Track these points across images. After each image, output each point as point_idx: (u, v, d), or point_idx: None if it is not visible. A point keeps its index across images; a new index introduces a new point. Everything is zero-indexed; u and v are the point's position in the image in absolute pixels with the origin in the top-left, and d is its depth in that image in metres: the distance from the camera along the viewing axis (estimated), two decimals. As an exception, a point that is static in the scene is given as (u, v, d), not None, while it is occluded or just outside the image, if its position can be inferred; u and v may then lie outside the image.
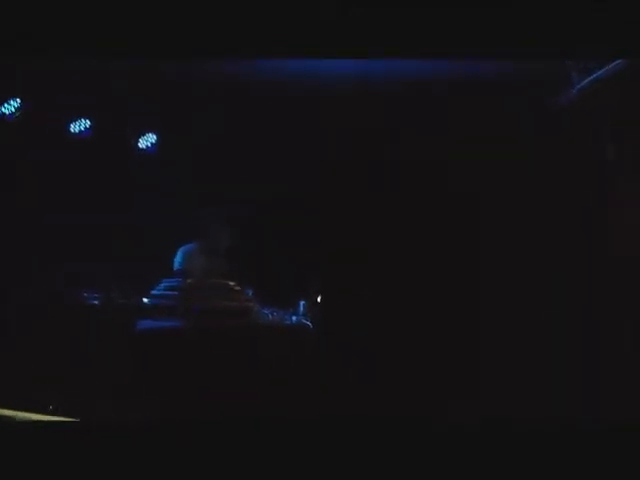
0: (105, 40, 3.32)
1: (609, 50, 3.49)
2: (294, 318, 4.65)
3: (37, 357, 3.91)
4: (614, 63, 4.35)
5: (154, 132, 5.69)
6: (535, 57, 3.89)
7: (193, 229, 5.02)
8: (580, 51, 3.59)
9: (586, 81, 4.66)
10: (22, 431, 3.30)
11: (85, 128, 5.41)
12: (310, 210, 5.49)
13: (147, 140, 5.70)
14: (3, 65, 4.56)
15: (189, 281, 4.44)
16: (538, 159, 4.88)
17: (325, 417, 3.70)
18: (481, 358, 4.72)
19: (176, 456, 3.11)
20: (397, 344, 4.71)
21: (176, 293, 4.34)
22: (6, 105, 5.05)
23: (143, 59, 4.19)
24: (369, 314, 4.85)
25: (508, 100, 4.85)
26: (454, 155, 5.07)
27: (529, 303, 4.78)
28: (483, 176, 5.07)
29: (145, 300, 4.41)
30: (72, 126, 5.40)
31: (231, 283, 4.53)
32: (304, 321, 4.59)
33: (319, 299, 4.75)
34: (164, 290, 4.45)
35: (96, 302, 4.42)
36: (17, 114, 5.07)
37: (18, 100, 5.06)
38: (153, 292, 4.47)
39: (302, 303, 4.74)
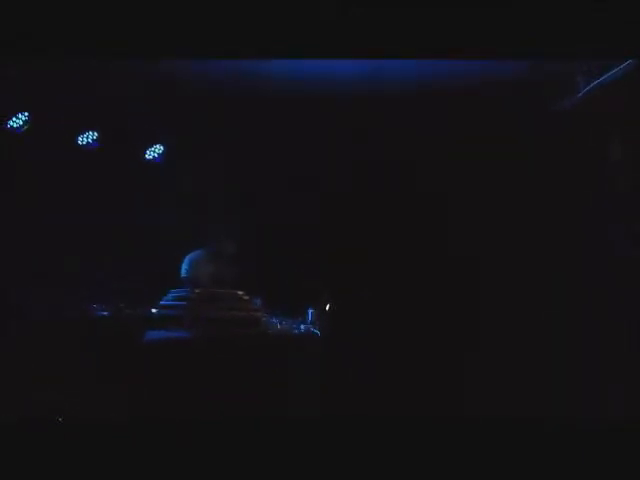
0: (105, 40, 3.32)
1: (609, 50, 3.48)
2: (303, 327, 4.65)
3: (49, 368, 3.89)
4: (618, 67, 4.35)
5: (161, 143, 5.75)
6: (535, 57, 3.89)
7: (200, 238, 5.02)
8: (580, 51, 3.59)
9: (591, 85, 4.66)
10: (31, 432, 3.31)
11: (92, 140, 5.46)
12: (318, 218, 5.49)
13: (154, 151, 5.76)
14: (11, 80, 4.61)
15: (197, 291, 4.43)
16: (542, 162, 4.88)
17: (327, 418, 3.70)
18: (481, 358, 4.72)
19: (186, 460, 3.12)
20: (402, 347, 4.71)
21: (184, 303, 4.33)
22: (14, 119, 5.11)
23: (143, 59, 4.19)
24: (376, 320, 4.85)
25: (513, 104, 4.85)
26: (454, 156, 5.07)
27: (529, 303, 4.78)
28: (483, 177, 5.08)
29: (154, 311, 4.40)
30: (80, 138, 5.44)
31: (239, 292, 4.52)
32: (313, 330, 4.59)
33: (327, 308, 4.75)
34: (172, 300, 4.45)
35: (105, 313, 4.42)
36: (25, 127, 5.10)
37: (26, 114, 5.11)
38: (162, 302, 4.46)
39: (311, 312, 4.74)
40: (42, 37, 3.29)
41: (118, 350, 4.00)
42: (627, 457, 3.08)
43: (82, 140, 5.44)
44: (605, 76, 4.48)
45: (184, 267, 4.93)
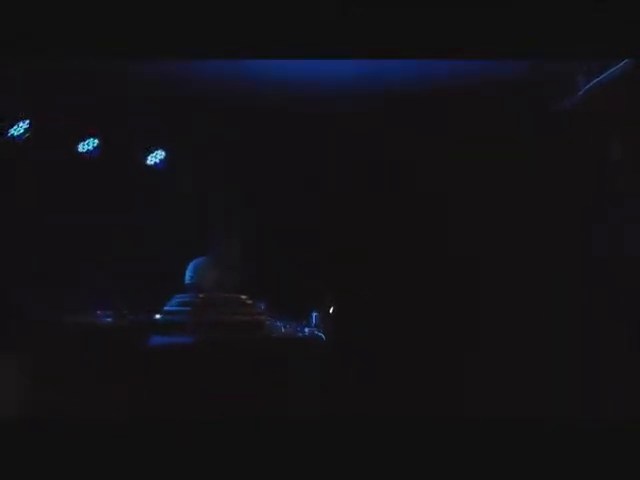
0: (105, 40, 3.31)
1: (609, 50, 3.48)
2: (307, 330, 4.65)
3: (51, 373, 3.89)
4: (617, 66, 4.35)
5: (162, 148, 5.75)
6: (535, 57, 3.89)
7: (203, 243, 5.02)
8: (580, 51, 3.59)
9: (590, 84, 4.66)
10: (33, 432, 3.31)
11: (93, 147, 5.47)
12: (319, 219, 5.49)
13: (155, 157, 5.77)
14: (11, 85, 4.62)
15: (201, 296, 4.43)
16: (542, 161, 4.88)
17: (328, 418, 3.70)
18: (481, 358, 4.72)
19: (186, 461, 3.12)
20: (402, 347, 4.71)
21: (188, 308, 4.33)
22: (16, 127, 5.12)
23: (143, 59, 4.19)
24: (376, 320, 4.85)
25: (513, 103, 4.85)
26: (454, 156, 5.07)
27: (529, 303, 4.78)
28: (483, 177, 5.08)
29: (158, 316, 4.40)
30: (80, 146, 5.45)
31: (243, 297, 4.52)
32: (317, 333, 4.59)
33: (331, 310, 4.75)
34: (176, 306, 4.44)
35: (109, 320, 4.42)
36: (26, 135, 5.11)
37: (27, 121, 5.12)
38: (165, 308, 4.46)
39: (315, 315, 4.74)
40: (42, 37, 3.29)
41: (121, 357, 4.00)
42: (627, 457, 3.08)
43: (83, 147, 5.45)
44: (604, 75, 4.48)
45: (188, 274, 4.93)
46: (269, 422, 3.52)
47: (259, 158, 5.49)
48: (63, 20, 3.25)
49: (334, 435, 3.35)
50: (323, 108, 5.05)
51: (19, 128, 5.12)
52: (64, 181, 5.18)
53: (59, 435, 3.31)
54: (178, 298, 4.51)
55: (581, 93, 4.75)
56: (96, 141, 5.46)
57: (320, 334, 4.57)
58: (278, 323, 4.64)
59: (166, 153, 5.78)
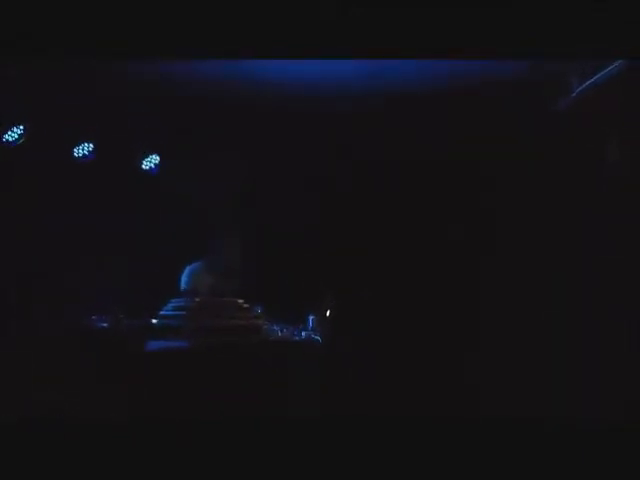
0: (105, 40, 3.31)
1: (609, 50, 3.48)
2: (304, 334, 4.64)
3: (49, 377, 3.89)
4: (611, 67, 4.35)
5: (157, 153, 5.75)
6: (535, 57, 3.89)
7: (199, 247, 5.01)
8: (580, 51, 3.59)
9: (584, 85, 4.66)
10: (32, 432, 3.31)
11: (88, 152, 5.46)
12: (318, 221, 5.49)
13: (150, 161, 5.76)
14: (7, 88, 4.61)
15: (197, 300, 4.42)
16: (540, 161, 4.88)
17: (327, 418, 3.70)
18: (481, 358, 4.72)
19: (186, 461, 3.12)
20: (402, 347, 4.71)
21: (184, 313, 4.32)
22: (10, 132, 5.09)
23: (143, 59, 4.19)
24: (376, 320, 4.84)
25: (512, 103, 4.85)
26: (454, 155, 5.07)
27: (529, 303, 4.78)
28: (483, 177, 5.08)
29: (154, 321, 4.39)
30: (75, 150, 5.44)
31: (239, 301, 4.52)
32: (314, 336, 4.59)
33: (328, 313, 4.75)
34: (172, 310, 4.44)
35: (105, 325, 4.41)
36: (21, 141, 5.10)
37: (21, 127, 5.10)
38: (161, 313, 4.45)
39: (311, 318, 4.74)
40: (42, 37, 3.29)
41: (118, 361, 4.00)
42: (627, 457, 3.08)
43: (78, 152, 5.44)
44: (598, 75, 4.48)
45: (184, 279, 4.92)
46: (266, 425, 3.52)
47: (257, 159, 5.48)
48: (63, 20, 3.25)
49: (333, 436, 3.35)
50: (322, 108, 5.05)
51: (13, 134, 5.09)
52: (60, 185, 5.17)
53: (59, 435, 3.31)
54: (174, 302, 4.50)
55: (575, 94, 4.75)
56: (91, 146, 5.45)
57: (317, 337, 4.57)
58: (275, 327, 4.64)
59: (162, 157, 5.75)
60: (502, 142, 4.92)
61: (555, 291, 4.72)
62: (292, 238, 5.42)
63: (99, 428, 3.36)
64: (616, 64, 4.29)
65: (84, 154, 5.45)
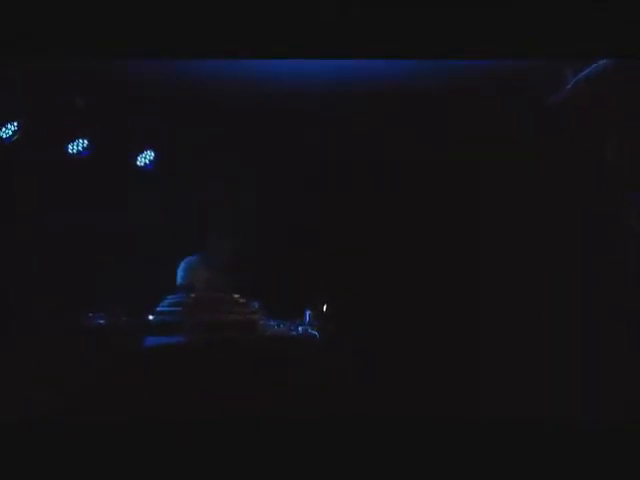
0: (105, 40, 3.32)
1: (609, 50, 3.49)
2: (300, 328, 4.64)
3: (48, 376, 3.89)
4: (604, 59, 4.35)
5: (152, 149, 5.72)
6: (535, 57, 3.89)
7: (195, 242, 5.01)
8: (580, 51, 3.59)
9: (578, 77, 4.66)
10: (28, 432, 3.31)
11: (83, 148, 5.42)
12: (317, 218, 5.49)
13: (145, 157, 5.73)
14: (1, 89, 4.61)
15: (193, 296, 4.42)
16: (532, 156, 4.88)
17: (327, 418, 3.70)
18: (481, 358, 4.72)
19: (186, 460, 3.12)
20: (401, 347, 4.71)
21: (180, 309, 4.32)
22: (3, 129, 5.03)
23: (143, 59, 4.19)
24: (376, 320, 4.84)
25: (501, 97, 4.85)
26: (453, 155, 5.07)
27: (529, 303, 4.78)
28: (482, 176, 5.08)
29: (150, 317, 4.39)
30: (70, 147, 5.39)
31: (236, 296, 4.52)
32: (311, 331, 4.59)
33: (325, 308, 4.75)
34: (168, 306, 4.43)
35: (102, 322, 4.41)
36: (15, 137, 5.08)
37: (15, 123, 5.06)
38: (158, 309, 4.45)
39: (308, 313, 4.74)
40: (42, 37, 3.29)
41: (116, 358, 4.00)
42: (627, 457, 3.09)
43: (72, 148, 5.40)
44: (590, 68, 4.48)
45: (180, 274, 4.92)
46: (265, 422, 3.52)
47: (255, 156, 5.48)
48: (63, 20, 3.25)
49: (333, 436, 3.35)
50: (322, 107, 5.06)
51: (7, 130, 5.05)
52: (55, 182, 5.16)
53: (59, 435, 3.31)
54: (170, 299, 4.50)
55: (568, 87, 4.74)
56: (86, 142, 5.42)
57: (314, 332, 4.57)
58: (271, 322, 4.64)
59: (158, 153, 5.72)
60: (496, 140, 4.92)
61: (555, 291, 4.72)
62: (289, 232, 5.41)
63: (99, 428, 3.36)
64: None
65: (78, 150, 5.42)
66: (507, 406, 4.06)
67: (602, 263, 4.49)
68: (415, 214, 5.35)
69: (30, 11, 3.23)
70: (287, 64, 4.55)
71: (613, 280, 4.41)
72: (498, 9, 3.29)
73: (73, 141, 5.39)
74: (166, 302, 4.49)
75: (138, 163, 5.72)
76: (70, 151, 5.40)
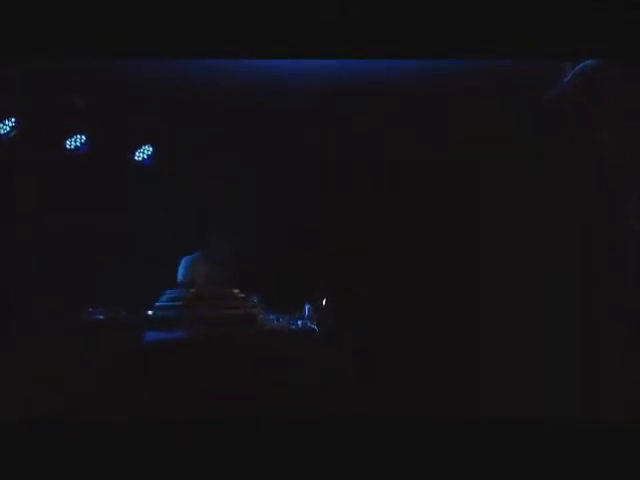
0: (105, 40, 3.32)
1: (609, 50, 3.48)
2: (300, 322, 4.65)
3: (49, 372, 3.88)
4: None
5: (150, 144, 5.71)
6: (536, 57, 3.89)
7: (194, 238, 5.01)
8: (580, 51, 3.59)
9: (575, 70, 4.65)
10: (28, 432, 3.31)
11: (81, 144, 5.41)
12: (311, 214, 5.48)
13: (143, 152, 5.71)
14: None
15: (193, 291, 4.43)
16: (532, 156, 4.88)
17: (329, 418, 3.70)
18: (481, 357, 4.72)
19: (186, 460, 3.12)
20: (401, 347, 4.71)
21: (180, 304, 4.33)
22: (1, 125, 5.03)
23: (143, 59, 4.19)
24: (376, 320, 4.85)
25: (501, 95, 4.85)
26: (452, 154, 5.07)
27: (529, 303, 4.78)
28: (482, 174, 5.07)
29: (150, 312, 4.39)
30: (68, 142, 5.39)
31: (235, 291, 4.52)
32: (310, 325, 4.59)
33: (324, 302, 4.75)
34: (168, 301, 4.44)
35: (101, 317, 4.41)
36: (12, 133, 5.07)
37: (12, 119, 5.05)
38: (157, 304, 4.46)
39: (307, 307, 4.74)
40: (42, 37, 3.29)
41: (116, 354, 4.00)
42: (627, 457, 3.09)
43: (70, 144, 5.40)
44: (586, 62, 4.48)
45: (180, 271, 4.93)
46: (266, 419, 3.52)
47: (256, 162, 5.48)
48: (63, 20, 3.25)
49: (333, 435, 3.35)
50: (322, 106, 5.06)
51: (5, 126, 5.05)
52: (53, 178, 5.15)
53: (59, 435, 3.31)
54: (169, 293, 4.50)
55: (567, 80, 4.74)
56: (83, 137, 5.41)
57: (313, 326, 4.57)
58: (271, 316, 4.64)
59: (156, 148, 5.71)
60: (499, 139, 4.92)
61: (555, 291, 4.71)
62: (289, 229, 5.41)
63: (99, 428, 3.36)
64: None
65: (76, 146, 5.41)
66: (507, 406, 4.06)
67: (602, 263, 4.49)
68: (415, 214, 5.35)
69: (30, 11, 3.24)
70: (287, 63, 4.55)
71: (613, 280, 4.41)
72: (498, 9, 3.29)
73: (71, 137, 5.39)
74: (165, 297, 4.49)
75: (136, 158, 5.71)
76: (68, 147, 5.39)
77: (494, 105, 4.91)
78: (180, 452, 3.20)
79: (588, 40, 3.34)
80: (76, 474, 3.09)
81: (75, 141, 5.40)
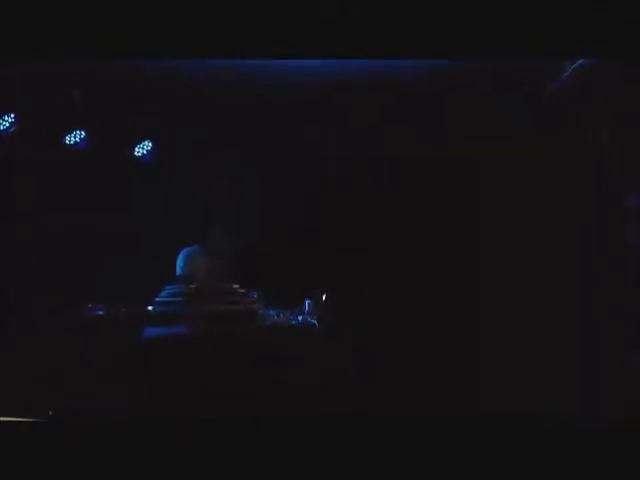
0: (105, 40, 3.32)
1: (609, 50, 3.48)
2: (300, 318, 4.64)
3: (48, 367, 3.88)
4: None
5: (150, 139, 5.70)
6: (535, 57, 3.89)
7: (194, 233, 5.00)
8: (580, 51, 3.59)
9: (574, 66, 4.66)
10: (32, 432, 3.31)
11: (80, 139, 5.41)
12: (312, 209, 5.48)
13: (143, 148, 5.71)
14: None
15: (192, 286, 4.43)
16: (532, 153, 4.88)
17: (328, 416, 3.70)
18: (481, 356, 4.72)
19: (186, 459, 3.12)
20: (401, 346, 4.71)
21: (180, 299, 4.33)
22: (1, 120, 5.04)
23: (143, 59, 4.19)
24: (375, 317, 4.84)
25: (498, 92, 4.85)
26: (452, 150, 5.07)
27: (529, 301, 4.78)
28: (482, 172, 5.08)
29: (149, 308, 4.40)
30: (67, 138, 5.40)
31: (235, 286, 4.53)
32: (310, 320, 4.59)
33: (324, 298, 4.75)
34: (167, 297, 4.44)
35: (101, 312, 4.41)
36: (12, 129, 5.06)
37: (12, 115, 5.06)
38: (157, 299, 4.45)
39: (307, 302, 4.74)
40: (42, 37, 3.29)
41: (116, 349, 4.00)
42: (627, 457, 3.08)
43: (69, 140, 5.40)
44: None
45: (179, 264, 4.92)
46: (264, 417, 3.52)
47: (256, 157, 5.48)
48: (63, 20, 3.26)
49: (332, 434, 3.35)
50: (322, 105, 5.06)
51: (4, 122, 5.05)
52: (53, 175, 5.14)
53: (59, 435, 3.31)
54: (169, 289, 4.50)
55: (566, 75, 4.74)
56: (83, 133, 5.41)
57: (313, 321, 4.57)
58: (271, 311, 4.64)
59: (157, 144, 5.70)
60: (498, 139, 4.92)
61: (555, 290, 4.72)
62: (288, 223, 5.41)
63: (99, 428, 3.36)
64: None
65: (76, 142, 5.41)
66: (507, 404, 4.06)
67: (602, 263, 4.50)
68: (414, 210, 5.34)
69: (30, 11, 3.24)
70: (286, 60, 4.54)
71: (613, 280, 4.41)
72: (498, 9, 3.29)
73: (70, 133, 5.39)
74: (165, 292, 4.49)
75: (136, 153, 5.70)
76: (67, 142, 5.40)
77: (492, 101, 4.91)
78: (180, 450, 3.20)
79: (588, 40, 3.34)
80: (76, 474, 3.09)
81: (75, 137, 5.41)
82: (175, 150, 5.57)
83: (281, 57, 3.83)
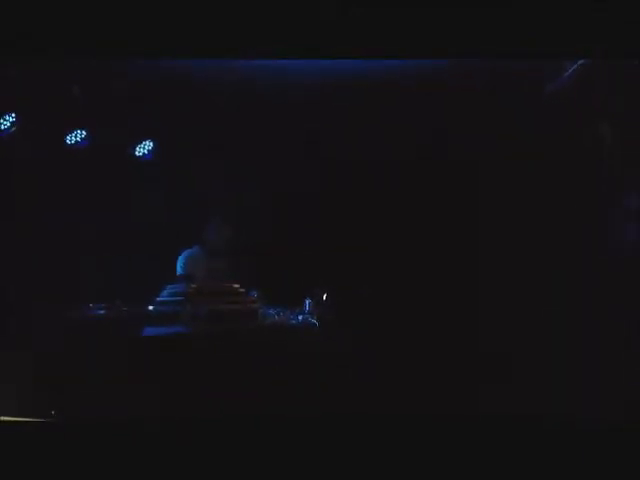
0: (105, 40, 3.32)
1: (609, 50, 3.49)
2: (300, 317, 4.64)
3: (51, 368, 3.88)
4: None
5: (151, 139, 5.70)
6: (535, 57, 3.89)
7: (194, 233, 5.00)
8: (580, 51, 3.59)
9: (575, 66, 4.66)
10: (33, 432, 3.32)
11: (81, 139, 5.40)
12: (312, 208, 5.48)
13: (144, 147, 5.70)
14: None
15: (193, 286, 4.43)
16: (532, 153, 4.88)
17: (328, 416, 3.70)
18: (481, 357, 4.72)
19: (186, 459, 3.12)
20: (401, 345, 4.71)
21: (180, 299, 4.33)
22: (1, 121, 5.02)
23: (143, 59, 4.19)
24: (375, 317, 4.84)
25: (505, 94, 4.85)
26: (452, 150, 5.07)
27: (529, 300, 4.78)
28: (482, 171, 5.08)
29: (150, 308, 4.40)
30: (68, 138, 5.38)
31: (235, 285, 4.53)
32: (310, 320, 4.58)
33: (324, 297, 4.75)
34: (168, 296, 4.44)
35: (102, 312, 4.41)
36: (12, 129, 5.06)
37: (12, 115, 5.04)
38: (158, 299, 4.46)
39: (308, 302, 4.74)
40: (42, 37, 3.29)
41: (116, 348, 4.00)
42: (627, 457, 3.09)
43: (70, 139, 5.39)
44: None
45: (179, 264, 4.93)
46: (264, 417, 3.52)
47: (256, 157, 5.48)
48: (63, 20, 3.26)
49: (332, 434, 3.35)
50: (321, 107, 5.06)
51: (5, 122, 5.03)
52: (54, 173, 5.14)
53: (59, 435, 3.32)
54: (170, 289, 4.50)
55: (567, 74, 4.74)
56: (84, 132, 5.40)
57: (313, 321, 4.57)
58: (271, 311, 4.64)
59: (156, 144, 5.69)
60: (499, 136, 4.92)
61: (555, 290, 4.72)
62: (288, 223, 5.41)
63: (99, 428, 3.36)
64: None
65: (77, 141, 5.40)
66: (507, 404, 4.06)
67: (602, 263, 4.49)
68: (414, 210, 5.34)
69: (30, 11, 3.24)
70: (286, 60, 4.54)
71: (613, 280, 4.41)
72: (498, 9, 3.29)
73: (71, 132, 5.38)
74: (166, 292, 4.50)
75: (137, 153, 5.68)
76: (68, 142, 5.39)
77: (492, 101, 4.91)
78: (180, 450, 3.20)
79: (588, 40, 3.34)
80: (76, 473, 3.09)
81: (75, 136, 5.40)
82: (175, 150, 5.57)
83: (281, 57, 3.83)
